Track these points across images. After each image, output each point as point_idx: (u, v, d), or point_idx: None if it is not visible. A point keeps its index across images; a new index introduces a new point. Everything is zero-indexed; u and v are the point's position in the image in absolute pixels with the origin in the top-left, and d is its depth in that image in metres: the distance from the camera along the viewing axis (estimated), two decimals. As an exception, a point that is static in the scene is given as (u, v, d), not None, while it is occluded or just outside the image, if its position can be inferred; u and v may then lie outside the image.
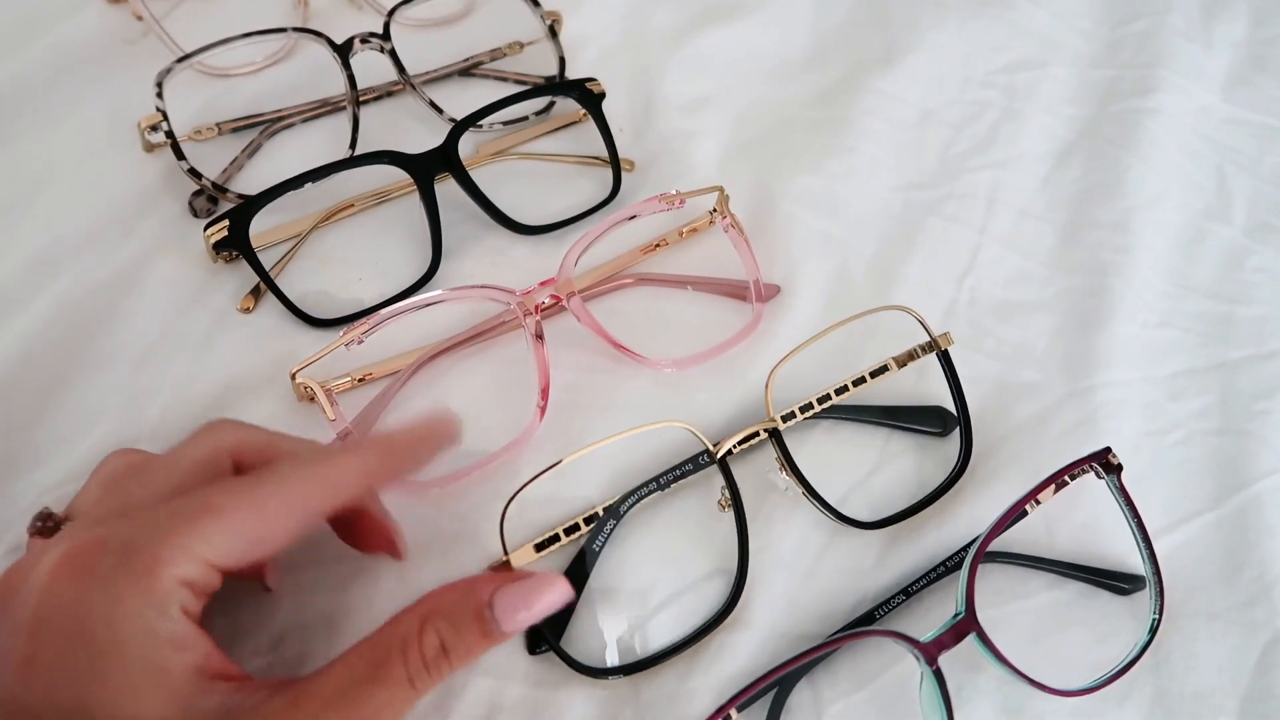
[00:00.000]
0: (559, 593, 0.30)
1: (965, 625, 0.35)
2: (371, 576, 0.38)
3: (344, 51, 0.51)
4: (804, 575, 0.41)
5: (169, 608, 0.26)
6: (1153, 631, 0.39)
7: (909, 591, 0.40)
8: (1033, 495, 0.38)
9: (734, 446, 0.41)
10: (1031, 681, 0.36)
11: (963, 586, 0.36)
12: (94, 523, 0.29)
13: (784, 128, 0.56)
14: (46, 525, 0.31)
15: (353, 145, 0.51)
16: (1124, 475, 0.41)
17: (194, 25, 0.54)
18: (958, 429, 0.45)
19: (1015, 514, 0.38)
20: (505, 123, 0.54)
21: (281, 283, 0.46)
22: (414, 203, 0.49)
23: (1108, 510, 0.41)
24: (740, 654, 0.38)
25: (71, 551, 0.27)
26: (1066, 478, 0.41)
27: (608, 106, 0.54)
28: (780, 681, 0.37)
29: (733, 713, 0.35)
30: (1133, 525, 0.40)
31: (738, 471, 0.42)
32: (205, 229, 0.44)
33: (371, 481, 0.33)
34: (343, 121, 0.52)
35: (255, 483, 0.30)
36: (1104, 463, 0.40)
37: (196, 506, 0.28)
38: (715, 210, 0.49)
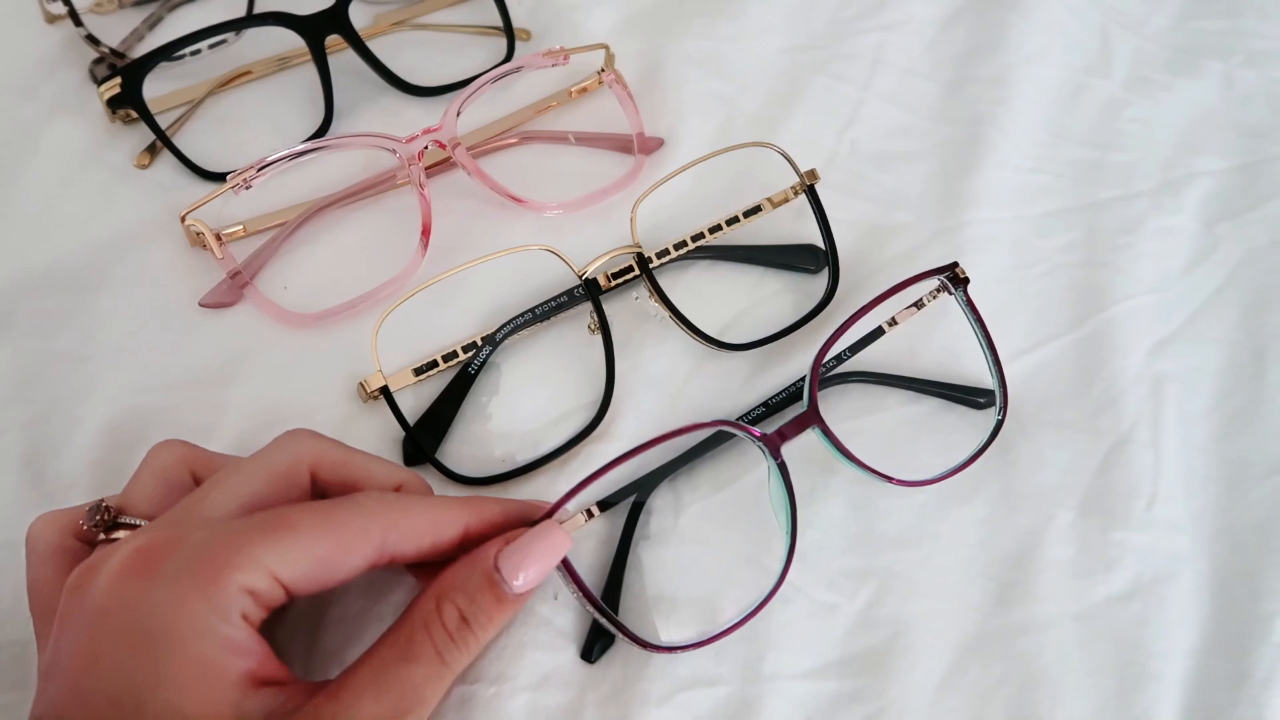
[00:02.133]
0: (558, 541, 0.32)
1: (807, 418, 0.37)
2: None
3: (240, -76, 0.53)
4: (672, 395, 0.43)
5: (230, 613, 0.27)
6: (995, 431, 0.41)
7: (768, 404, 0.42)
8: (880, 300, 0.39)
9: (603, 277, 0.43)
10: (870, 469, 0.38)
11: (807, 383, 0.38)
12: (169, 524, 0.29)
13: (677, -3, 0.57)
14: (103, 519, 0.31)
15: (249, 13, 0.53)
16: (984, 301, 0.43)
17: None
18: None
19: (859, 317, 0.39)
20: (403, -7, 0.56)
21: (178, 141, 0.48)
22: (312, 71, 0.50)
23: (968, 331, 0.43)
24: (629, 470, 0.40)
25: (143, 549, 0.27)
26: (924, 299, 0.42)
27: (506, -21, 0.55)
28: (639, 485, 0.39)
29: (595, 509, 0.37)
30: (979, 334, 0.42)
31: (613, 306, 0.44)
32: (99, 85, 0.46)
33: (452, 538, 0.32)
34: (244, -3, 0.54)
35: (336, 508, 0.30)
36: (952, 276, 0.42)
37: (275, 521, 0.28)
38: (603, 69, 0.51)
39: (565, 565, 0.34)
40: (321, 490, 0.33)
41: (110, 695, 0.26)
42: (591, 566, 0.38)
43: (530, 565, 0.31)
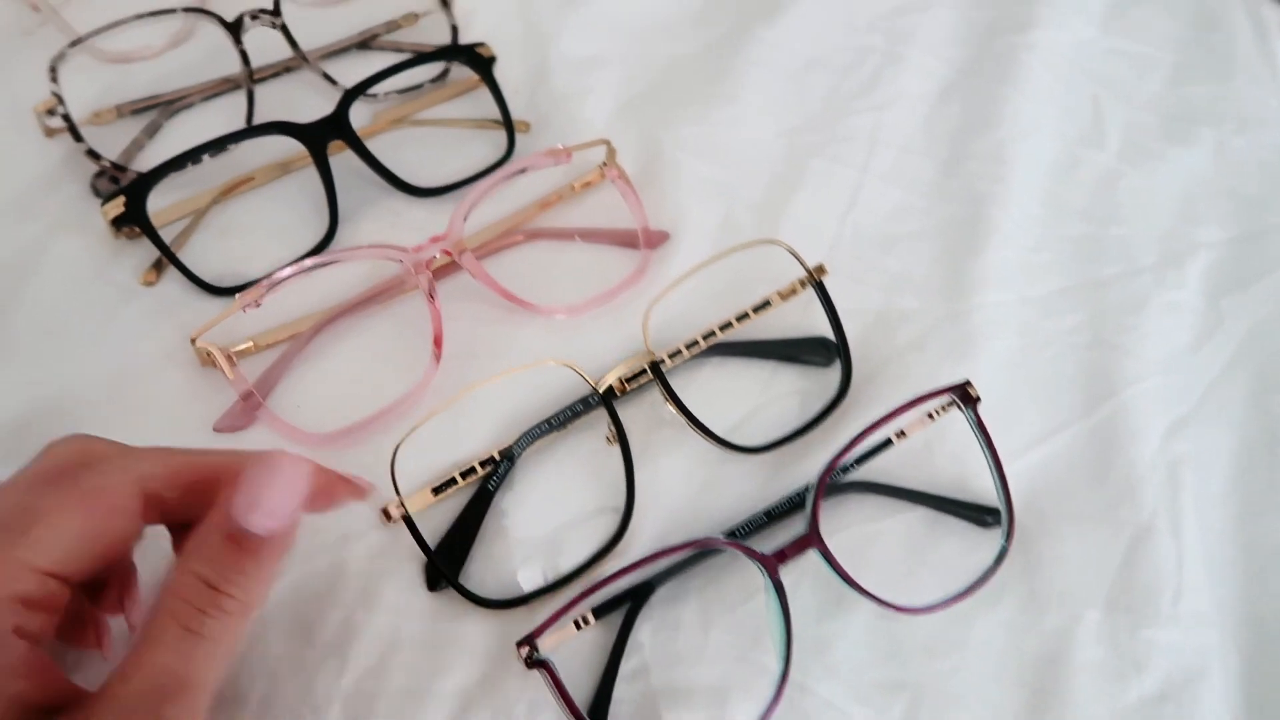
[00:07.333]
0: (285, 467, 0.28)
1: (808, 540, 0.37)
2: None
3: (235, 29, 0.52)
4: (691, 503, 0.43)
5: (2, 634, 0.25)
6: (999, 558, 0.41)
7: (771, 514, 0.41)
8: (888, 419, 0.39)
9: (616, 381, 0.43)
10: (872, 596, 0.38)
11: (809, 503, 0.38)
12: None
13: (672, 81, 0.58)
14: None
15: (249, 120, 0.53)
16: (995, 387, 0.43)
17: (92, 14, 0.54)
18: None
19: (867, 435, 0.39)
20: (400, 91, 0.56)
21: (183, 255, 0.47)
22: (314, 175, 0.50)
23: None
24: (628, 579, 0.40)
25: None
26: (933, 412, 0.42)
27: (503, 72, 0.55)
28: (633, 594, 0.39)
29: (589, 616, 0.36)
30: (988, 456, 0.41)
31: (630, 410, 0.44)
32: (103, 204, 0.46)
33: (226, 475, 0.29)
34: (243, 99, 0.54)
35: (83, 475, 0.28)
36: (963, 395, 0.41)
37: (17, 517, 0.26)
38: (605, 164, 0.51)
39: (550, 674, 0.34)
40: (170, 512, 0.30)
41: None
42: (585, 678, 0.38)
43: (261, 499, 0.27)
